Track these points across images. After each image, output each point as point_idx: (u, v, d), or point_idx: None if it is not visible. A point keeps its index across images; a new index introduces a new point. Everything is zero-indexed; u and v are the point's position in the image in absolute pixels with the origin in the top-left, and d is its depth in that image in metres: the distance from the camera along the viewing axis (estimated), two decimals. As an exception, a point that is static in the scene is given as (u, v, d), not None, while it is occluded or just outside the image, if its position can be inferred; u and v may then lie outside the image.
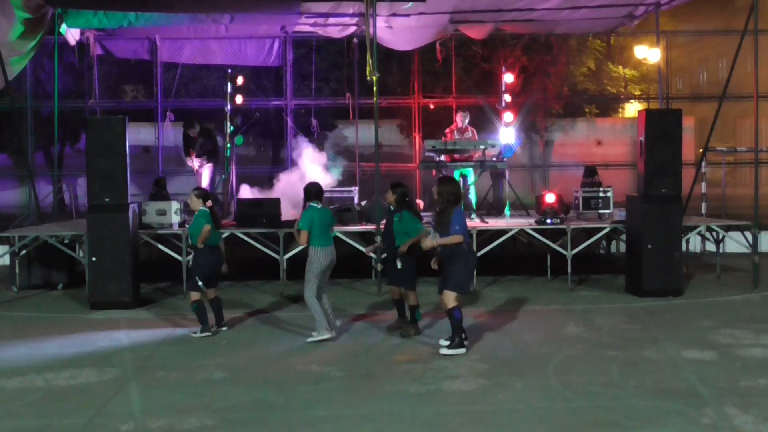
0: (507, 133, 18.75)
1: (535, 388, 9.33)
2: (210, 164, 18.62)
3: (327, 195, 17.22)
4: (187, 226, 15.43)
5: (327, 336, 11.55)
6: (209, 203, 12.33)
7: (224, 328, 12.40)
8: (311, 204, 11.69)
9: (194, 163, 18.58)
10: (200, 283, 12.06)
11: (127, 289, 14.35)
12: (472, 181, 18.15)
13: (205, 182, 18.36)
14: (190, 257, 15.52)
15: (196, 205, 12.27)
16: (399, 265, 11.70)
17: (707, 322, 12.75)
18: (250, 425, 8.25)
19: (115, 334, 12.40)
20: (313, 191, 11.84)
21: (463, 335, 10.86)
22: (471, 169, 17.93)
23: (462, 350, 10.72)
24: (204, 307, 12.18)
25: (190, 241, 12.89)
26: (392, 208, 11.97)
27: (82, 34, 20.45)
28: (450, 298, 10.72)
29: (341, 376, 9.93)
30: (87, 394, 9.31)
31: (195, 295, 12.08)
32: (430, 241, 10.89)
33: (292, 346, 11.49)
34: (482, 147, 17.31)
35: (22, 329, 12.99)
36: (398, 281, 11.96)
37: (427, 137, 19.87)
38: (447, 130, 18.63)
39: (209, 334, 12.05)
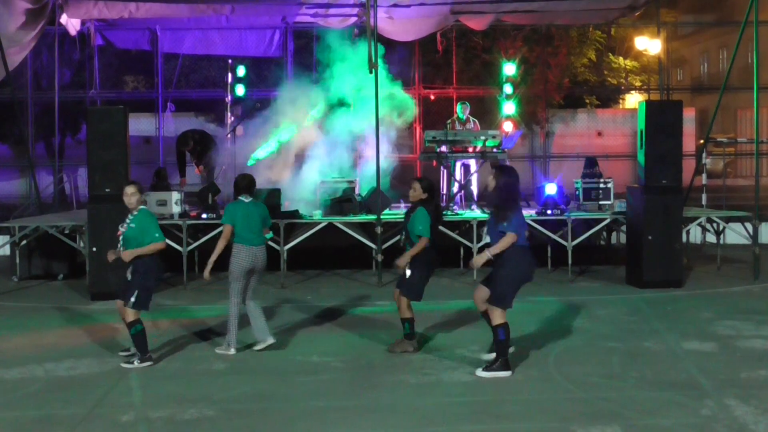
0: (508, 123, 18.74)
1: (536, 379, 9.34)
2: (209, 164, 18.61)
3: (331, 185, 17.26)
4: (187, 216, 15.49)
5: (232, 352, 10.47)
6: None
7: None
8: (240, 198, 10.72)
9: (197, 170, 18.62)
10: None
11: (128, 280, 14.35)
12: (473, 172, 18.12)
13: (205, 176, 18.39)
14: (191, 247, 15.59)
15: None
16: (407, 273, 10.45)
17: (708, 313, 12.76)
18: (250, 416, 8.26)
19: (116, 325, 12.38)
20: (242, 184, 10.82)
21: (507, 355, 9.56)
22: (474, 160, 17.89)
23: (505, 373, 9.40)
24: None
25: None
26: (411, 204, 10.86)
27: (82, 24, 20.44)
28: (496, 314, 9.43)
29: (341, 367, 9.93)
30: (87, 385, 9.31)
31: None
32: (480, 258, 9.69)
33: (292, 336, 11.49)
34: (482, 138, 17.30)
35: (23, 320, 13.01)
36: (405, 289, 10.55)
37: (427, 128, 19.86)
38: (449, 124, 18.58)
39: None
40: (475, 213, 16.62)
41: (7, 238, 16.82)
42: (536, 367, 9.79)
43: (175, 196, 16.21)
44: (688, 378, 9.29)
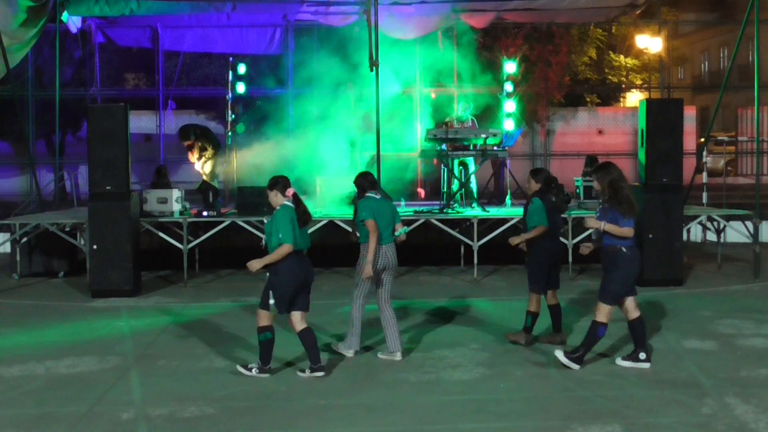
0: (508, 122, 18.74)
1: (536, 377, 9.35)
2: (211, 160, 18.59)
3: (330, 183, 17.27)
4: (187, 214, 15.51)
5: (350, 354, 10.31)
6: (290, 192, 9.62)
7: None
8: (368, 194, 10.24)
9: (197, 166, 18.59)
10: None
11: (128, 278, 14.38)
12: (473, 170, 18.12)
13: (205, 176, 18.37)
14: (192, 245, 15.59)
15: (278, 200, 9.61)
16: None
17: (708, 311, 12.75)
18: (250, 414, 8.26)
19: (116, 323, 12.42)
20: (368, 181, 10.35)
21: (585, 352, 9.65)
22: (472, 158, 17.89)
23: (576, 366, 9.52)
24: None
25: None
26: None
27: (83, 22, 20.46)
28: (602, 312, 9.48)
29: (342, 365, 9.92)
30: (88, 383, 9.32)
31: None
32: (594, 221, 9.55)
33: (292, 334, 11.48)
34: (483, 136, 17.30)
35: (23, 317, 13.01)
36: (528, 281, 10.72)
37: (427, 126, 19.86)
38: (449, 122, 18.54)
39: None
40: (476, 211, 16.61)
41: (7, 235, 16.81)
42: (536, 364, 9.79)
43: (176, 193, 16.22)
44: (689, 376, 9.29)
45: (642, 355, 9.61)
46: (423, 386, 9.05)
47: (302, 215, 9.45)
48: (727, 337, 11.07)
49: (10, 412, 8.37)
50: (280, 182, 9.59)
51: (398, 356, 10.09)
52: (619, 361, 9.68)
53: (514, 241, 10.62)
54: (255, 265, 9.29)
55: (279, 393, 8.88)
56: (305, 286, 9.49)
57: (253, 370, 9.47)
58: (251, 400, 8.68)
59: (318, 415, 8.16)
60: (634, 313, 9.63)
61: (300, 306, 9.47)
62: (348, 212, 14.90)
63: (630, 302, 9.61)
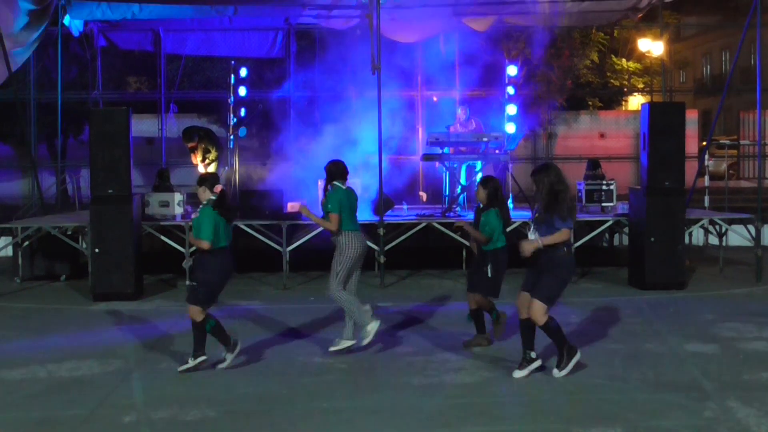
0: (510, 125, 18.75)
1: (538, 380, 9.33)
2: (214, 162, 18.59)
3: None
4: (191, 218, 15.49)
5: (348, 344, 10.45)
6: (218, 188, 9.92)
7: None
8: (335, 183, 10.44)
9: (199, 168, 18.59)
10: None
11: (130, 281, 14.38)
12: (477, 174, 18.11)
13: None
14: (194, 248, 15.59)
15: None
16: (489, 273, 10.48)
17: (710, 315, 12.74)
18: (252, 417, 8.26)
19: (118, 326, 12.43)
20: (338, 169, 10.49)
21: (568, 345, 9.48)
22: (476, 162, 17.86)
23: (570, 365, 9.39)
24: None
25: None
26: (481, 205, 10.73)
27: (85, 25, 20.45)
28: (539, 312, 9.30)
29: (344, 369, 9.93)
30: (89, 386, 9.32)
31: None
32: (530, 244, 9.31)
33: (294, 337, 11.50)
34: (485, 139, 17.30)
35: (25, 320, 13.02)
36: (482, 288, 10.65)
37: (429, 129, 19.85)
38: (451, 126, 18.53)
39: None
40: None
41: (9, 239, 16.82)
42: (539, 368, 9.78)
43: (178, 197, 16.25)
44: (691, 380, 9.28)
45: (532, 354, 9.50)
46: (425, 389, 9.05)
47: (226, 213, 9.82)
48: (729, 341, 11.07)
49: (12, 415, 8.38)
50: (208, 179, 9.96)
51: (375, 324, 10.39)
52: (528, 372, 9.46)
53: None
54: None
55: (281, 396, 8.88)
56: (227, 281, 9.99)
57: (189, 360, 9.78)
58: (253, 403, 8.68)
59: (320, 419, 8.15)
60: (525, 314, 9.47)
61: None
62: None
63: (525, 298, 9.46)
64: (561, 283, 9.43)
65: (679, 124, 14.86)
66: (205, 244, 9.57)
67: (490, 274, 10.53)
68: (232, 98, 18.82)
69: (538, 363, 9.48)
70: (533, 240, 9.31)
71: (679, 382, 9.18)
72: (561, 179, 9.41)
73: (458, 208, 17.23)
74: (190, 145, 18.47)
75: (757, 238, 15.98)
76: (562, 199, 9.26)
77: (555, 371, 9.38)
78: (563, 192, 9.31)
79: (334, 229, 10.32)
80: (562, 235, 9.19)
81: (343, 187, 10.44)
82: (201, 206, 9.82)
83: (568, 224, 9.26)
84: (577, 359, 9.42)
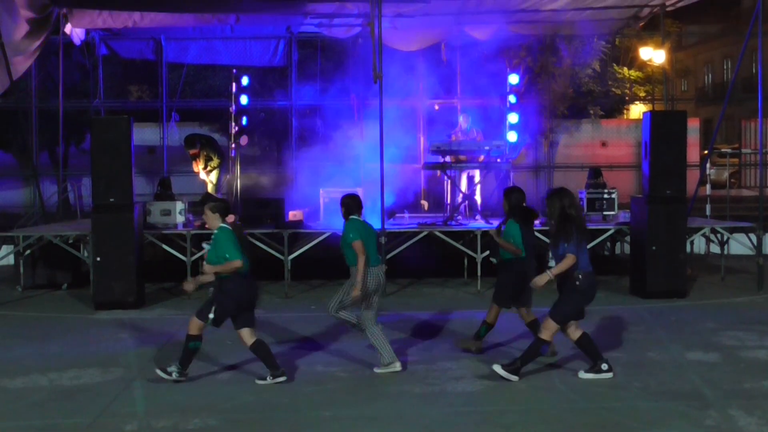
0: (512, 134, 18.77)
1: (540, 389, 9.34)
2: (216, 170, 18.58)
3: (334, 196, 17.26)
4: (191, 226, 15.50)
5: (398, 368, 10.09)
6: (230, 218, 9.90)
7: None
8: (353, 217, 10.26)
9: (201, 175, 18.58)
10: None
11: (132, 289, 14.38)
12: (477, 182, 18.12)
13: (210, 186, 18.37)
14: (195, 257, 15.59)
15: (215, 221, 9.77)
16: (498, 281, 10.76)
17: (711, 323, 12.74)
18: (254, 426, 8.26)
19: (120, 334, 12.42)
20: (355, 203, 10.38)
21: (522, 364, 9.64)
22: (478, 170, 17.87)
23: (515, 377, 9.51)
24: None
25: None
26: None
27: (87, 34, 20.49)
28: (550, 329, 9.53)
29: (345, 377, 9.93)
30: (91, 394, 9.32)
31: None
32: (543, 278, 9.45)
33: (295, 346, 11.49)
34: (487, 148, 17.31)
35: (26, 329, 13.02)
36: (523, 301, 10.81)
37: (431, 138, 19.86)
38: (453, 134, 18.51)
39: None
40: (479, 223, 16.62)
41: (11, 247, 16.82)
42: (539, 376, 9.78)
43: (179, 205, 16.26)
44: (692, 388, 9.28)
45: (604, 366, 9.63)
46: (427, 398, 9.05)
47: (244, 239, 9.83)
48: (731, 349, 11.06)
49: (14, 424, 8.38)
50: (218, 205, 9.85)
51: (398, 365, 10.06)
52: (582, 374, 9.68)
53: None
54: (207, 269, 9.61)
55: (283, 405, 8.87)
56: (249, 306, 9.71)
57: (173, 374, 9.63)
58: (255, 412, 8.67)
59: (322, 427, 8.16)
60: (576, 334, 9.69)
61: (246, 323, 9.64)
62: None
63: (573, 325, 9.68)
64: (576, 306, 9.61)
65: (680, 132, 14.87)
66: (238, 263, 9.39)
67: (498, 283, 10.78)
68: (233, 107, 18.83)
69: (609, 375, 9.59)
70: (545, 273, 9.46)
71: (680, 391, 9.17)
72: (573, 203, 9.54)
73: (459, 217, 17.23)
74: (192, 152, 18.46)
75: (758, 247, 15.97)
76: (571, 223, 9.37)
77: (505, 374, 9.49)
78: (575, 217, 9.44)
79: (361, 256, 9.91)
80: (567, 260, 9.32)
81: (361, 220, 10.33)
82: (216, 232, 9.64)
83: (571, 249, 9.32)
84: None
